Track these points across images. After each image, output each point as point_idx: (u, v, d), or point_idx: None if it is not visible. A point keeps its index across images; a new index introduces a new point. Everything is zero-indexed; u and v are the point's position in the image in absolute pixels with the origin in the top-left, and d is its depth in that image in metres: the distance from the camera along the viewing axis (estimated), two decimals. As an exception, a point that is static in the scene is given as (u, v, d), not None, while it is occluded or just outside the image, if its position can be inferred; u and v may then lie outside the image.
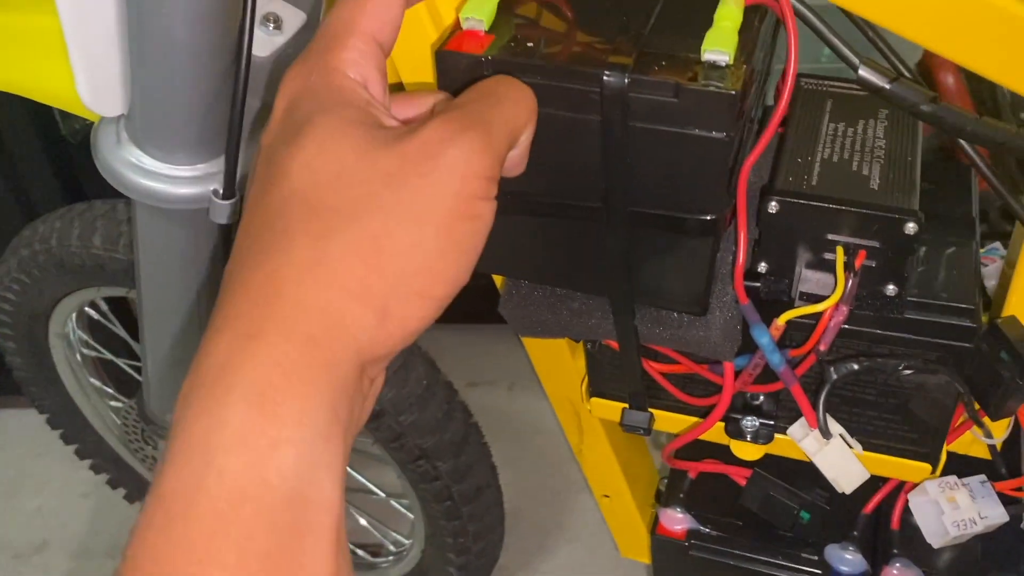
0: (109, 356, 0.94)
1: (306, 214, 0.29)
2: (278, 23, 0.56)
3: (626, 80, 0.38)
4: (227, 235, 0.50)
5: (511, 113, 0.33)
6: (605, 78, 0.38)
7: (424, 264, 0.29)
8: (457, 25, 0.41)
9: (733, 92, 0.37)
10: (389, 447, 0.77)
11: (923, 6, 0.39)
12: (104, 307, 0.89)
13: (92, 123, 1.22)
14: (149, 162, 0.47)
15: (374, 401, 0.31)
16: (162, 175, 0.47)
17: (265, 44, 0.55)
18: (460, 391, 0.80)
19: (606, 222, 0.42)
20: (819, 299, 0.45)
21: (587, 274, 0.45)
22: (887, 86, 0.40)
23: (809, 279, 0.46)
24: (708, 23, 0.40)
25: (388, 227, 0.28)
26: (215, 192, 0.47)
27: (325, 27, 0.33)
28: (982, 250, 0.56)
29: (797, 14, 0.40)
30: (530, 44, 0.40)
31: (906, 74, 0.40)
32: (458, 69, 0.40)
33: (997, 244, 0.58)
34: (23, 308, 0.86)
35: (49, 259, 0.78)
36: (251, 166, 0.32)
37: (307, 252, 0.28)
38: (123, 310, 0.93)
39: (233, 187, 0.47)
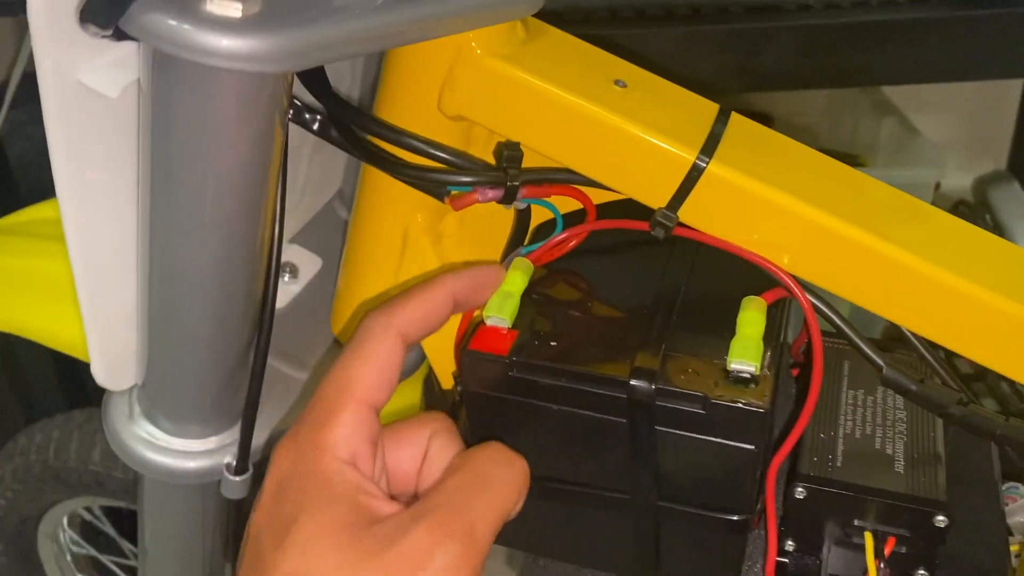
0: (97, 555, 0.91)
1: None
2: (294, 272, 0.57)
3: (653, 388, 0.38)
4: (237, 506, 0.49)
5: (499, 500, 0.32)
6: (632, 384, 0.38)
7: None
8: (480, 319, 0.41)
9: (762, 409, 0.37)
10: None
11: (936, 312, 0.39)
12: (97, 510, 0.86)
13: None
14: (162, 437, 0.46)
15: None
16: (174, 451, 0.46)
17: (281, 294, 0.55)
18: None
19: (632, 515, 0.41)
20: (849, 582, 0.44)
21: (613, 557, 0.44)
22: (914, 388, 0.40)
23: (838, 559, 0.44)
24: (731, 318, 0.40)
25: None
26: (228, 466, 0.46)
27: (319, 396, 0.33)
28: (1003, 487, 0.55)
29: (819, 313, 0.40)
30: (554, 343, 0.40)
31: (937, 368, 0.40)
32: (483, 368, 0.40)
33: (1017, 484, 0.57)
34: (14, 512, 0.83)
35: (45, 471, 0.76)
36: (241, 546, 0.32)
37: None
38: (116, 511, 0.90)
39: (246, 462, 0.46)
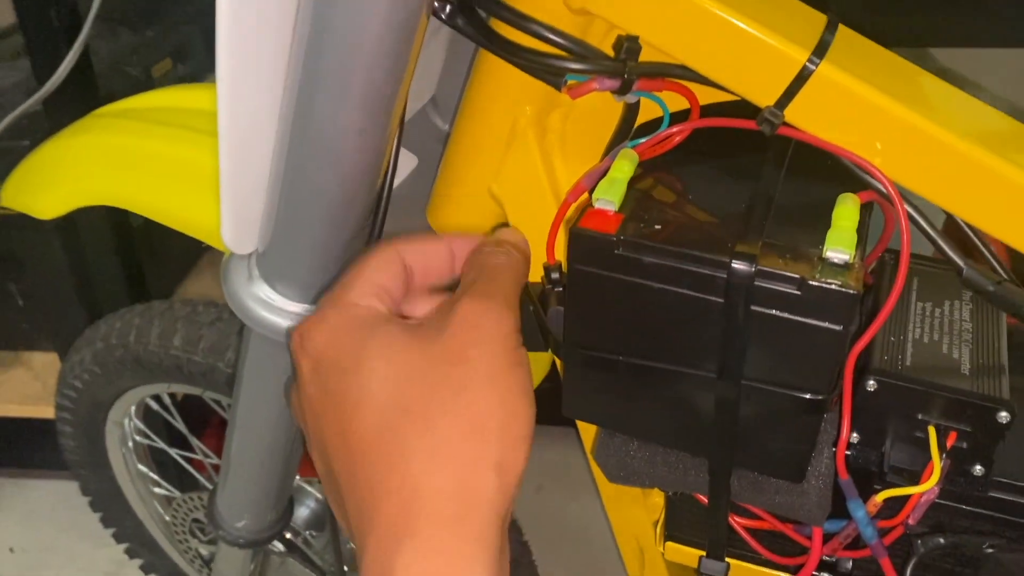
0: (164, 447, 0.95)
1: (404, 418, 0.34)
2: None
3: (753, 269, 0.41)
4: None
5: (513, 275, 0.40)
6: (734, 265, 0.41)
7: (510, 412, 0.34)
8: (588, 203, 0.44)
9: (855, 292, 0.40)
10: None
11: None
12: (167, 400, 0.91)
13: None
14: (278, 299, 0.50)
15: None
16: (289, 312, 0.50)
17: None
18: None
19: (717, 393, 0.44)
20: (910, 473, 0.47)
21: (690, 436, 0.47)
22: (991, 288, 0.42)
23: (900, 453, 0.48)
24: (823, 215, 0.43)
25: (473, 396, 0.34)
26: (337, 331, 0.50)
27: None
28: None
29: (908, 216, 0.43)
30: (658, 226, 0.43)
31: (1004, 276, 0.43)
32: (591, 246, 0.43)
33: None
34: (88, 396, 0.88)
35: (126, 354, 0.80)
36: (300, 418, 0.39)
37: (422, 443, 0.33)
38: (183, 402, 0.94)
39: (354, 327, 0.50)
